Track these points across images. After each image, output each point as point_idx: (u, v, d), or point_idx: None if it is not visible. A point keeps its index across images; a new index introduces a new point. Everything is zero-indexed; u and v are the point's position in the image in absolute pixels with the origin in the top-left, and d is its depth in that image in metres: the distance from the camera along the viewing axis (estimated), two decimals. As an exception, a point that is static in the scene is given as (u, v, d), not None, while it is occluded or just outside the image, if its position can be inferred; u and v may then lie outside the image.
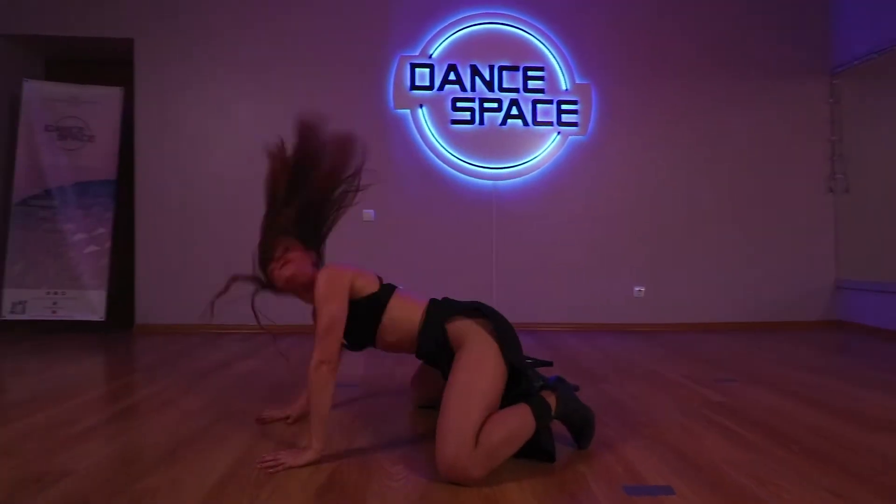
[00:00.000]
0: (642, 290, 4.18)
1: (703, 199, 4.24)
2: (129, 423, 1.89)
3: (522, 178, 4.14)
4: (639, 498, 1.31)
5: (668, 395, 2.27)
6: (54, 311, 3.81)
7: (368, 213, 4.01)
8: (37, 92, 3.87)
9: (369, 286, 1.68)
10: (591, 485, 1.38)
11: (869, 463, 1.51)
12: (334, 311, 1.57)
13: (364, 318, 1.67)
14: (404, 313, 1.67)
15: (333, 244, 1.83)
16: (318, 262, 1.75)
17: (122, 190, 4.04)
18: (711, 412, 2.01)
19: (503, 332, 1.57)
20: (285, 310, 2.10)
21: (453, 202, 4.12)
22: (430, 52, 4.09)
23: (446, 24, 4.11)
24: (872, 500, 1.29)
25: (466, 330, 1.59)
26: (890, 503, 1.28)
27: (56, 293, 3.82)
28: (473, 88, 4.09)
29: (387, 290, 1.70)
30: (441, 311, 1.66)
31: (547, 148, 4.14)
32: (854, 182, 4.16)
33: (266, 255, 1.67)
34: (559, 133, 4.13)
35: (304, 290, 1.70)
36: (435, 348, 1.64)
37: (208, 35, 4.06)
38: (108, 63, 4.32)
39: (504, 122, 4.11)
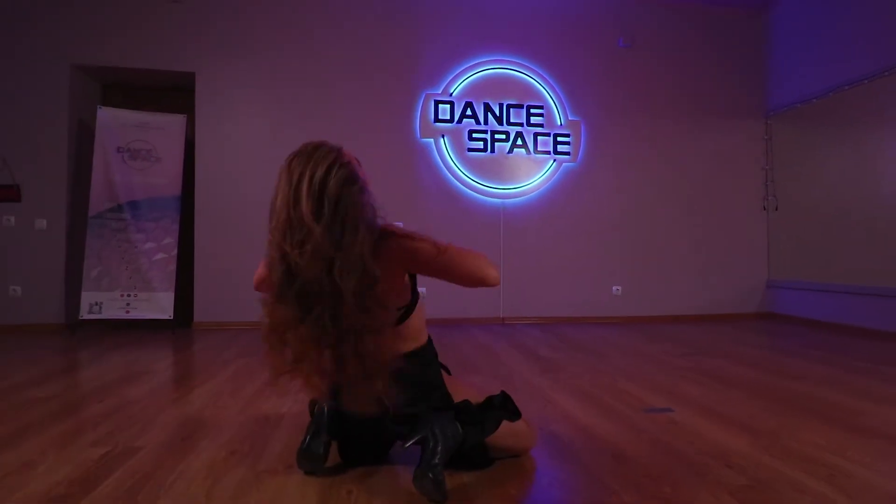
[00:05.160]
0: (620, 289, 5.15)
1: (666, 216, 5.24)
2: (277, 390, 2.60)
3: (525, 197, 5.01)
4: (655, 415, 2.19)
5: (653, 363, 3.19)
6: (127, 311, 4.37)
7: (398, 225, 4.76)
8: (110, 117, 4.40)
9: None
10: (622, 409, 2.25)
11: (792, 396, 2.46)
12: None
13: None
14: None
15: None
16: None
17: (186, 204, 4.63)
18: (684, 371, 2.95)
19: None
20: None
21: (469, 217, 4.94)
22: (451, 90, 4.88)
23: (464, 67, 4.92)
24: (803, 413, 2.20)
25: None
26: (807, 413, 2.20)
27: (129, 295, 4.38)
28: (486, 122, 4.92)
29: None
30: None
31: (545, 173, 5.02)
32: (782, 202, 5.27)
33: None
34: (555, 161, 5.02)
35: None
36: None
37: (259, 71, 4.70)
38: (169, 91, 4.88)
39: (511, 151, 4.96)
